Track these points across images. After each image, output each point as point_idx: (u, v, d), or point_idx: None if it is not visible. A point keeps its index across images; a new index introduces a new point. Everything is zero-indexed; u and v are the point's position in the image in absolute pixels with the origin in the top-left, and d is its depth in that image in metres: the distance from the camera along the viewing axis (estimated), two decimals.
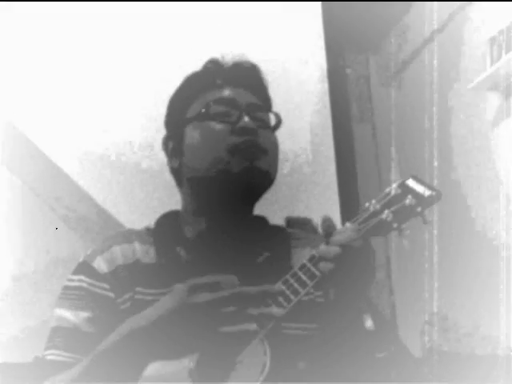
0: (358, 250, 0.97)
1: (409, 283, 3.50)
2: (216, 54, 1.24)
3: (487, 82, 2.76)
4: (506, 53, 2.59)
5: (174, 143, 1.21)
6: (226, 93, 1.18)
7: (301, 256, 1.14)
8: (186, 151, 1.17)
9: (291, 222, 1.30)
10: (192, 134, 1.16)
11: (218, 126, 1.13)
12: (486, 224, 2.79)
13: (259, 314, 0.91)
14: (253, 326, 0.90)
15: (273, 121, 1.21)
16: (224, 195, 1.13)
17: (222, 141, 1.12)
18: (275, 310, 0.93)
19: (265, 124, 1.19)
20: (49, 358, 1.08)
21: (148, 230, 1.21)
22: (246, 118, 1.13)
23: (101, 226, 2.67)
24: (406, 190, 1.00)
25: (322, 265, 0.97)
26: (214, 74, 1.21)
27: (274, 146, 1.19)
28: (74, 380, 0.97)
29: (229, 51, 1.24)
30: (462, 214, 2.98)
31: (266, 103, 1.24)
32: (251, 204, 1.20)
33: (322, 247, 0.98)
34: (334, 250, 0.97)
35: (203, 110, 1.15)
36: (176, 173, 1.22)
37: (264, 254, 1.15)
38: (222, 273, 1.08)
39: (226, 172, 1.10)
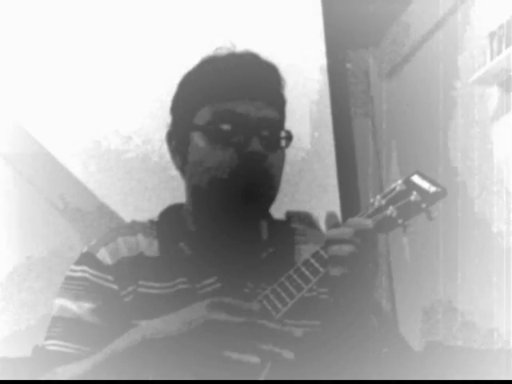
0: (371, 233, 0.96)
1: (409, 278, 3.50)
2: (222, 49, 1.16)
3: (487, 76, 2.76)
4: (506, 47, 2.59)
5: (178, 143, 1.16)
6: (239, 107, 1.08)
7: (304, 252, 1.14)
8: (189, 159, 1.13)
9: (291, 216, 1.29)
10: (197, 148, 1.11)
11: (223, 149, 1.07)
12: (489, 219, 2.79)
13: (269, 351, 0.91)
14: (255, 360, 0.90)
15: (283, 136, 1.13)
16: (224, 211, 1.10)
17: (226, 166, 1.07)
18: (286, 354, 0.92)
19: (275, 142, 1.11)
20: (49, 348, 1.07)
21: (152, 222, 1.20)
22: (255, 142, 1.06)
23: (101, 219, 2.67)
24: (411, 186, 0.99)
25: (336, 248, 0.95)
26: (230, 80, 1.10)
27: (281, 164, 1.13)
28: (80, 377, 0.97)
29: (237, 47, 1.16)
30: (462, 208, 2.98)
31: (281, 113, 1.15)
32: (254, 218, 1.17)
33: (334, 230, 0.97)
34: (348, 230, 0.95)
35: (211, 125, 1.09)
36: (180, 170, 1.18)
37: (268, 250, 1.15)
38: (226, 268, 1.08)
39: (225, 194, 1.07)
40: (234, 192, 1.06)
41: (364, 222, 0.96)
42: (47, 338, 1.09)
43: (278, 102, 1.14)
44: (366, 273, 0.97)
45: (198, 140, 1.10)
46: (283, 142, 1.12)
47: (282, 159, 1.13)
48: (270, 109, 1.10)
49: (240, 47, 1.18)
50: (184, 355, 0.91)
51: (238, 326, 0.91)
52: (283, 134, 1.12)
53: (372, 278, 0.98)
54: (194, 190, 1.14)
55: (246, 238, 1.13)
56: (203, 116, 1.10)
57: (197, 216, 1.16)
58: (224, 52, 1.15)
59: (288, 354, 0.92)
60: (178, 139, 1.16)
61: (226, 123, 1.08)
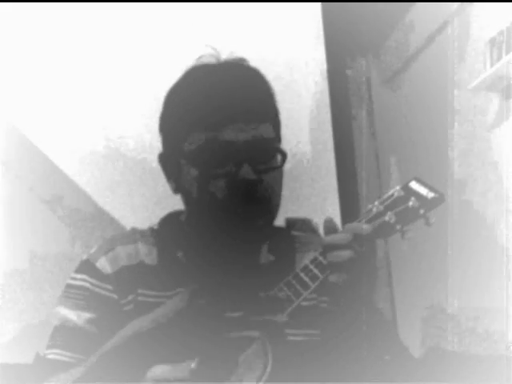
0: (370, 239, 0.96)
1: (409, 281, 3.50)
2: (216, 57, 1.14)
3: (487, 82, 2.76)
4: (506, 54, 2.59)
5: (170, 168, 1.14)
6: (227, 134, 1.03)
7: (305, 260, 1.14)
8: (183, 187, 1.11)
9: (291, 222, 1.29)
10: (188, 177, 1.08)
11: (213, 182, 1.04)
12: (488, 222, 2.79)
13: (262, 320, 0.92)
14: (255, 333, 0.91)
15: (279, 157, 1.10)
16: (220, 239, 1.10)
17: (216, 197, 1.04)
18: (278, 317, 0.93)
19: (269, 163, 1.08)
20: (50, 357, 1.08)
21: (152, 230, 1.20)
22: (246, 168, 1.02)
23: (100, 223, 2.68)
24: (409, 192, 0.99)
25: (334, 254, 0.95)
26: (217, 102, 1.05)
27: (278, 183, 1.10)
28: (77, 380, 0.98)
29: (236, 53, 1.13)
30: (462, 213, 2.98)
31: (274, 126, 1.11)
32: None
33: (332, 236, 0.97)
34: (346, 236, 0.95)
35: (199, 155, 1.05)
36: (175, 193, 1.16)
37: (268, 258, 1.15)
38: (225, 277, 1.08)
39: (220, 225, 1.06)
40: (228, 223, 1.05)
41: (362, 227, 0.96)
42: (48, 347, 1.09)
43: (269, 115, 1.11)
44: (365, 278, 0.97)
45: (188, 169, 1.08)
46: (278, 161, 1.09)
47: (279, 178, 1.10)
48: (261, 126, 1.06)
49: (239, 54, 1.15)
50: (176, 343, 0.92)
51: (224, 306, 0.92)
52: (277, 151, 1.09)
53: (371, 284, 0.98)
54: (190, 215, 1.15)
55: (246, 247, 1.12)
56: (192, 143, 1.07)
57: (194, 229, 1.15)
58: (209, 61, 1.12)
59: (280, 318, 0.93)
60: (170, 164, 1.14)
61: (215, 153, 1.04)
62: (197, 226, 1.13)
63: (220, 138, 1.04)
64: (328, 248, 0.97)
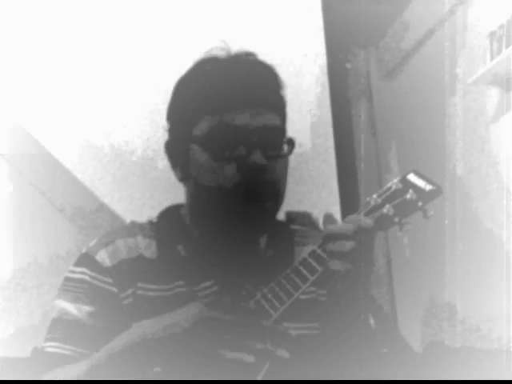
0: (370, 231, 0.96)
1: (409, 279, 3.50)
2: (217, 49, 1.13)
3: (487, 76, 2.75)
4: (506, 47, 2.58)
5: (177, 155, 1.14)
6: (238, 119, 1.05)
7: (304, 253, 1.14)
8: (191, 173, 1.10)
9: (291, 216, 1.29)
10: (198, 162, 1.08)
11: (224, 166, 1.04)
12: (488, 219, 2.79)
13: (264, 349, 0.91)
14: (250, 359, 0.89)
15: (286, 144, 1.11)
16: (226, 224, 1.09)
17: (228, 180, 1.04)
18: (281, 353, 0.92)
19: (279, 151, 1.09)
20: (48, 350, 1.07)
21: (151, 223, 1.19)
22: (257, 154, 1.03)
23: (101, 219, 2.68)
24: (407, 184, 0.99)
25: (337, 243, 0.95)
26: (228, 88, 1.06)
27: (285, 172, 1.10)
28: (79, 377, 0.97)
29: (236, 46, 1.12)
30: (462, 208, 2.98)
31: (282, 116, 1.12)
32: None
33: (333, 226, 0.97)
34: (349, 226, 0.96)
35: (210, 139, 1.06)
36: (181, 181, 1.16)
37: (268, 252, 1.15)
38: (225, 270, 1.08)
39: (228, 210, 1.06)
40: (236, 207, 1.05)
41: (364, 219, 0.96)
42: (46, 340, 1.09)
43: (278, 106, 1.11)
44: (364, 270, 0.97)
45: (198, 154, 1.08)
46: (286, 149, 1.10)
47: (285, 167, 1.10)
48: (270, 115, 1.08)
49: (239, 48, 1.14)
50: (180, 354, 0.91)
51: (231, 324, 0.90)
52: (285, 140, 1.10)
53: (368, 277, 0.99)
54: (195, 202, 1.13)
55: (246, 239, 1.12)
56: (202, 128, 1.07)
57: (196, 220, 1.15)
58: (219, 53, 1.12)
59: (283, 353, 0.91)
60: (177, 151, 1.13)
61: (227, 137, 1.05)
62: (201, 215, 1.13)
63: (232, 122, 1.04)
64: (329, 238, 0.96)
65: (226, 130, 1.05)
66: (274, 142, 1.08)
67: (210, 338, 0.90)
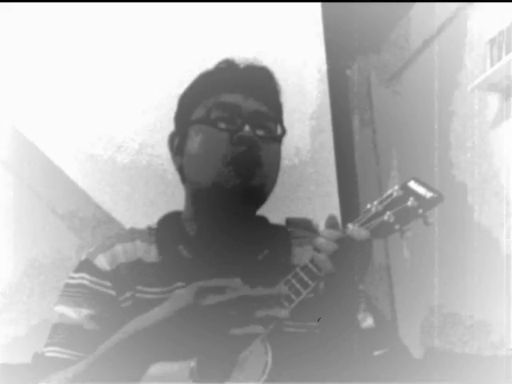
0: (362, 241, 0.97)
1: (409, 283, 3.50)
2: (216, 55, 1.21)
3: (487, 82, 2.76)
4: (506, 54, 2.59)
5: (179, 141, 1.20)
6: (232, 99, 1.14)
7: (301, 254, 1.16)
8: (185, 154, 1.17)
9: (291, 222, 1.30)
10: (193, 138, 1.15)
11: (217, 134, 1.11)
12: (488, 223, 2.79)
13: (265, 315, 0.92)
14: (259, 328, 0.91)
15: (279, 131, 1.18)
16: (219, 205, 1.13)
17: (219, 150, 1.10)
18: (281, 313, 0.93)
19: (269, 134, 1.15)
20: (49, 354, 1.08)
21: (150, 229, 1.21)
22: (247, 127, 1.10)
23: (100, 224, 2.68)
24: (407, 191, 1.00)
25: (323, 241, 0.98)
26: (225, 78, 1.17)
27: (275, 157, 1.16)
28: (77, 377, 0.98)
29: (236, 52, 1.21)
30: (462, 214, 2.98)
31: (275, 112, 1.19)
32: (250, 211, 1.19)
33: (325, 230, 0.99)
34: (337, 233, 0.98)
35: (205, 115, 1.13)
36: (180, 170, 1.21)
37: (264, 252, 1.16)
38: (224, 271, 1.08)
39: (219, 185, 1.10)
40: (227, 180, 1.09)
41: (359, 230, 0.98)
42: (47, 345, 1.10)
43: (270, 102, 1.18)
44: (351, 276, 0.98)
45: (194, 133, 1.15)
46: (276, 134, 1.17)
47: (275, 153, 1.17)
48: (261, 103, 1.15)
49: (240, 54, 1.21)
50: (184, 338, 0.92)
51: (230, 302, 0.92)
52: (276, 127, 1.17)
53: (358, 281, 0.99)
54: (191, 186, 1.17)
55: (244, 237, 1.14)
56: (199, 111, 1.16)
57: (196, 215, 1.17)
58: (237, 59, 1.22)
59: (283, 313, 0.93)
60: (178, 138, 1.20)
61: (220, 112, 1.13)
62: (197, 199, 1.16)
63: (225, 100, 1.14)
64: (315, 250, 0.99)
65: (220, 106, 1.13)
66: (265, 125, 1.15)
67: (211, 320, 0.91)
